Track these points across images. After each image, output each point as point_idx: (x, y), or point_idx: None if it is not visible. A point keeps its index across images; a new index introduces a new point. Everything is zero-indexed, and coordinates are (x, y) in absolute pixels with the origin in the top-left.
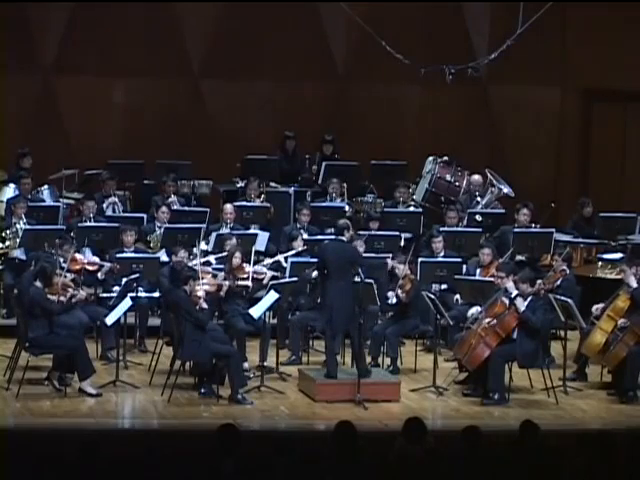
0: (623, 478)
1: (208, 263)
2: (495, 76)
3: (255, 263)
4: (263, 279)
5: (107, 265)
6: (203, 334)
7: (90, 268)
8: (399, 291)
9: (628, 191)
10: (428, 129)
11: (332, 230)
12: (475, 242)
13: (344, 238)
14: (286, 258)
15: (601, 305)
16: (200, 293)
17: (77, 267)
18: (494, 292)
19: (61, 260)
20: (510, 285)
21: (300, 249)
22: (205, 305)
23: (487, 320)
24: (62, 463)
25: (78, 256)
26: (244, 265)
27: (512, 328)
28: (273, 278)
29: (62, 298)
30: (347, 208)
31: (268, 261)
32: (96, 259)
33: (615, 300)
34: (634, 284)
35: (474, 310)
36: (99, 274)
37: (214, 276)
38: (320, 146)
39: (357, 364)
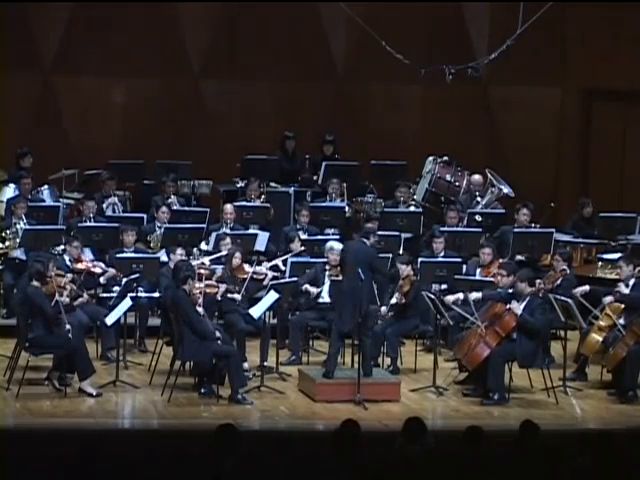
0: (623, 478)
1: (202, 264)
2: (495, 76)
3: (255, 264)
4: (263, 279)
5: (111, 272)
6: (204, 340)
7: (94, 271)
8: (397, 293)
9: (628, 191)
10: (428, 129)
11: (333, 230)
12: (475, 242)
13: (367, 241)
14: (284, 261)
15: (586, 287)
16: (196, 290)
17: (81, 267)
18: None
19: (66, 258)
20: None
21: (298, 250)
22: (201, 310)
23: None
24: (62, 463)
25: (84, 257)
26: (244, 265)
27: (512, 327)
28: (273, 279)
29: (60, 298)
30: (347, 209)
31: (266, 265)
32: (101, 264)
33: None
34: (625, 290)
35: (454, 297)
36: (101, 279)
37: (212, 273)
38: (320, 146)
39: (363, 363)
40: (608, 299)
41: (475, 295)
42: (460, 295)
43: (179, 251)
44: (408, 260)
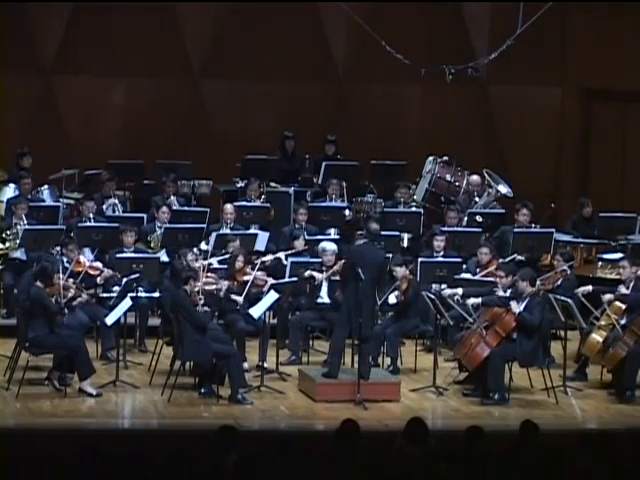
0: (623, 478)
1: (210, 265)
2: (495, 76)
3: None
4: (263, 285)
5: (108, 272)
6: (203, 334)
7: (91, 272)
8: (396, 292)
9: (628, 191)
10: (428, 129)
11: (334, 230)
12: (475, 242)
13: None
14: (287, 256)
15: (589, 287)
16: (197, 288)
17: (79, 269)
18: (491, 292)
19: (64, 260)
20: (501, 293)
21: (301, 249)
22: (203, 309)
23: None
24: (62, 463)
25: (82, 259)
26: (246, 269)
27: (512, 327)
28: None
29: (63, 300)
30: (347, 212)
31: (269, 257)
32: (99, 264)
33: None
34: (624, 290)
35: (452, 291)
36: (98, 279)
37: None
38: (323, 146)
39: (362, 367)
40: (608, 297)
41: (473, 300)
42: (459, 290)
43: (190, 256)
44: (402, 261)
